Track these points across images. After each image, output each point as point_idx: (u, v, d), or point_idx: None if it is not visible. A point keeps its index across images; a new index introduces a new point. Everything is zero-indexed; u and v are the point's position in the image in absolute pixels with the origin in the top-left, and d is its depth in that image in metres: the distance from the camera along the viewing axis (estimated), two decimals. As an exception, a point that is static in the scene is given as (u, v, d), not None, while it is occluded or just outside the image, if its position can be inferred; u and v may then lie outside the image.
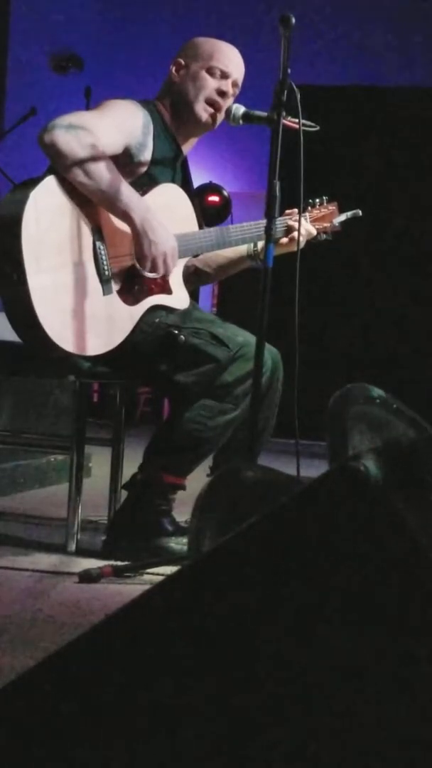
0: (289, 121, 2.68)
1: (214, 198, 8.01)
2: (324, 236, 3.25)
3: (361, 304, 7.06)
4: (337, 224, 3.27)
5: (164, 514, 2.93)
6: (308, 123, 2.73)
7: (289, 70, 2.59)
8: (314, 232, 3.18)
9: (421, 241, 7.00)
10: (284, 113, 2.64)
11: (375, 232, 6.82)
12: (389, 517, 0.93)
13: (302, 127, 2.69)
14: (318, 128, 2.78)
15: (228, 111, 2.95)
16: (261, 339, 2.58)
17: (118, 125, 2.87)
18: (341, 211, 3.29)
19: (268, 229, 2.62)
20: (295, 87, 2.62)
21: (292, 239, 3.09)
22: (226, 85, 3.03)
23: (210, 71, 3.03)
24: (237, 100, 3.06)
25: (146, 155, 2.93)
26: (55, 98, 7.48)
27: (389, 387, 1.60)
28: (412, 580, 0.92)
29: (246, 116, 2.92)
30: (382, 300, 7.02)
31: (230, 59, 3.07)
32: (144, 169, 2.94)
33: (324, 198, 3.26)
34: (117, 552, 2.86)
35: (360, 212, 3.27)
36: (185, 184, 3.11)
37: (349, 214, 3.28)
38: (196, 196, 3.19)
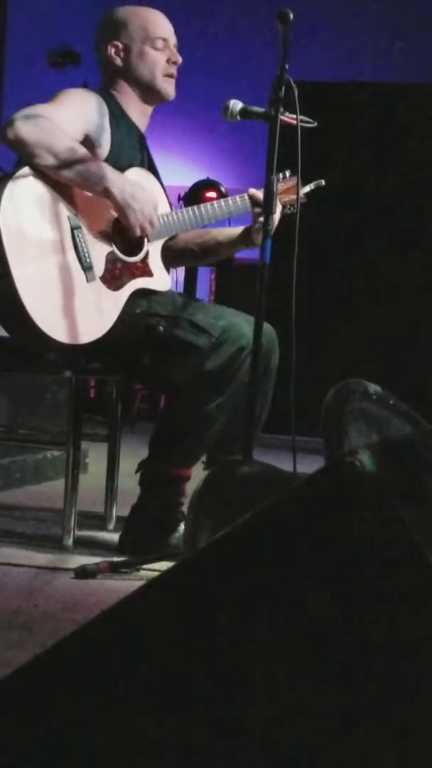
0: (287, 117, 2.67)
1: (212, 194, 7.99)
2: (290, 209, 3.21)
3: (357, 299, 7.06)
4: (302, 196, 3.25)
5: (176, 508, 2.93)
6: (306, 119, 2.73)
7: (287, 66, 2.59)
8: (279, 206, 3.13)
9: (418, 235, 6.99)
10: (282, 109, 2.63)
11: (372, 225, 6.82)
12: (384, 513, 0.92)
13: (300, 123, 2.68)
14: (316, 124, 2.78)
15: (226, 107, 2.95)
16: (258, 338, 2.56)
17: (75, 112, 2.88)
18: (304, 183, 3.26)
19: (265, 225, 2.61)
20: (293, 83, 2.61)
21: (260, 229, 3.04)
22: (172, 54, 3.06)
23: (153, 45, 3.04)
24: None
25: (105, 138, 2.93)
26: (53, 94, 7.46)
27: (386, 383, 1.60)
28: (406, 576, 0.92)
29: (244, 112, 2.91)
30: (379, 295, 7.02)
31: (161, 24, 3.09)
32: (106, 153, 2.93)
33: (286, 172, 3.23)
34: (132, 548, 2.87)
35: (323, 182, 3.24)
36: (150, 164, 3.12)
37: (312, 184, 3.26)
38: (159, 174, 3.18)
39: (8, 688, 1.02)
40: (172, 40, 3.08)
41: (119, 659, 1.01)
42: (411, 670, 0.91)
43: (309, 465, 2.12)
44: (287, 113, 2.67)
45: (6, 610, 2.27)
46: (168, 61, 3.05)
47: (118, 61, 3.06)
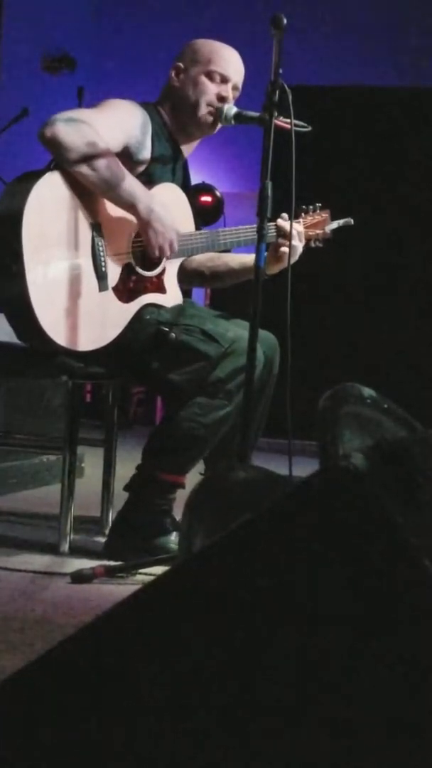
0: (281, 122, 2.68)
1: (207, 198, 8.00)
2: (315, 243, 3.25)
3: (354, 303, 7.06)
4: (328, 232, 3.27)
5: (164, 514, 2.93)
6: (300, 123, 2.73)
7: (280, 71, 2.60)
8: (303, 242, 3.17)
9: (416, 241, 7.00)
10: (276, 113, 2.64)
11: (369, 229, 6.82)
12: (379, 516, 0.93)
13: (294, 128, 2.69)
14: (310, 129, 2.78)
15: (220, 111, 2.96)
16: (253, 341, 2.57)
17: (118, 123, 2.88)
18: (333, 218, 3.29)
19: (260, 229, 2.62)
20: (287, 87, 2.62)
21: (280, 259, 3.07)
22: (226, 90, 3.03)
23: (209, 76, 3.03)
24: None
25: (145, 154, 2.94)
26: (48, 99, 7.47)
27: (381, 387, 1.61)
28: (401, 579, 0.92)
29: (238, 116, 2.93)
30: (375, 300, 7.02)
31: (229, 62, 3.06)
32: (143, 168, 2.95)
33: (317, 205, 3.26)
34: (118, 552, 2.86)
35: (352, 221, 3.27)
36: (185, 185, 3.12)
37: (341, 222, 3.28)
38: (193, 197, 3.21)
39: (4, 692, 1.02)
40: (234, 81, 3.05)
41: (115, 663, 1.01)
42: (408, 672, 0.91)
43: (305, 469, 2.12)
44: (281, 117, 2.68)
45: (2, 614, 2.27)
46: (217, 96, 3.02)
47: (175, 81, 3.07)
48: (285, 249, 3.02)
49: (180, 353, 2.88)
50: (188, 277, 3.27)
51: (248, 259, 3.16)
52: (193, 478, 2.88)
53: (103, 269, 2.81)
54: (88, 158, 2.71)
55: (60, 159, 2.74)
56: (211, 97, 3.02)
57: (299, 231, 3.12)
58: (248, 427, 2.55)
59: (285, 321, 2.63)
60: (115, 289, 2.85)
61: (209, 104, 3.02)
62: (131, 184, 2.78)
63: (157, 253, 2.85)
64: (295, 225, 3.07)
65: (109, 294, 2.83)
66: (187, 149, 3.15)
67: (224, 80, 3.03)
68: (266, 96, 2.64)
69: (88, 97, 7.39)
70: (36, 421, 4.73)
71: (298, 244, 3.06)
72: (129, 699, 0.98)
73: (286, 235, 3.03)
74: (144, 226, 2.81)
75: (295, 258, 2.99)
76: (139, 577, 2.69)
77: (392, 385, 2.62)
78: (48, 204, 2.72)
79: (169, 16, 8.35)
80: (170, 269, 3.00)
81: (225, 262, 3.22)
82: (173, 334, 2.89)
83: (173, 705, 0.98)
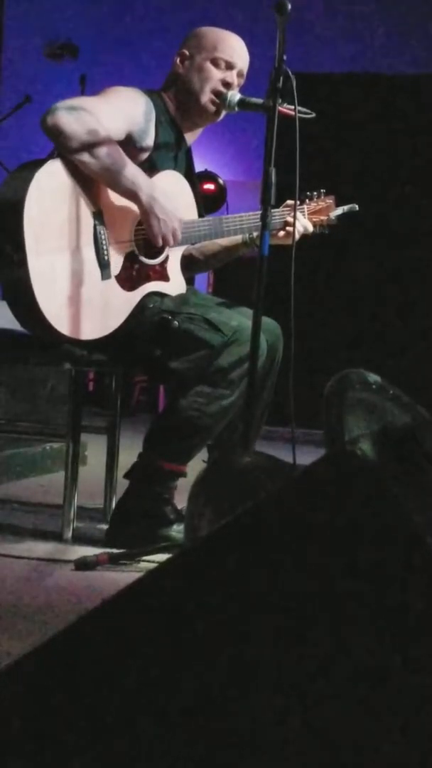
0: (285, 108, 2.67)
1: (210, 186, 7.99)
2: (320, 229, 3.24)
3: (359, 291, 7.05)
4: (333, 218, 3.26)
5: (165, 503, 2.92)
6: (304, 110, 2.72)
7: (285, 57, 2.58)
8: (311, 228, 3.16)
9: (419, 227, 6.98)
10: (280, 100, 2.63)
11: (372, 216, 6.81)
12: (385, 501, 0.92)
13: (298, 114, 2.68)
14: (314, 115, 2.77)
15: (224, 98, 2.95)
16: (256, 329, 2.57)
17: (120, 110, 2.87)
18: (338, 204, 3.28)
19: (264, 217, 2.61)
20: (290, 74, 2.61)
21: (288, 233, 3.08)
22: (231, 77, 3.02)
23: (214, 62, 3.02)
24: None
25: (148, 141, 2.93)
26: (50, 86, 7.47)
27: (386, 373, 1.60)
28: (408, 563, 0.92)
29: (242, 103, 2.92)
30: (381, 288, 7.01)
31: (234, 49, 3.05)
32: (146, 155, 2.94)
33: (321, 191, 3.25)
34: (119, 541, 2.86)
35: (357, 207, 3.25)
36: (188, 173, 3.11)
37: (345, 208, 3.27)
38: (197, 185, 3.19)
39: (7, 678, 1.02)
40: (239, 67, 3.03)
41: (119, 649, 1.01)
42: (413, 651, 0.91)
43: (308, 457, 2.12)
44: (285, 104, 2.67)
45: (6, 601, 2.27)
46: (222, 82, 3.01)
47: (180, 69, 3.05)
48: (288, 230, 3.04)
49: (183, 342, 2.88)
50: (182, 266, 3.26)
51: (238, 236, 3.15)
52: (195, 466, 2.88)
53: (106, 258, 2.80)
54: (89, 146, 2.70)
55: (61, 147, 2.73)
56: (215, 83, 3.01)
57: (308, 230, 3.12)
58: (252, 416, 2.55)
59: (288, 308, 2.63)
60: (118, 278, 2.85)
61: (214, 91, 3.01)
62: (133, 172, 2.77)
63: (160, 242, 2.85)
64: (302, 219, 3.08)
65: (112, 282, 2.83)
66: (191, 136, 3.14)
67: (229, 67, 3.02)
68: (270, 82, 2.63)
69: (90, 84, 7.37)
70: (39, 409, 4.74)
71: (297, 235, 3.06)
72: (134, 685, 0.98)
73: (290, 223, 3.05)
74: (146, 214, 2.81)
75: (297, 237, 2.99)
76: (142, 565, 2.69)
77: (397, 372, 2.62)
78: (49, 192, 2.71)
79: (172, 4, 8.33)
80: (173, 257, 2.99)
81: (214, 242, 3.20)
82: (176, 323, 2.88)
83: (179, 691, 0.98)
